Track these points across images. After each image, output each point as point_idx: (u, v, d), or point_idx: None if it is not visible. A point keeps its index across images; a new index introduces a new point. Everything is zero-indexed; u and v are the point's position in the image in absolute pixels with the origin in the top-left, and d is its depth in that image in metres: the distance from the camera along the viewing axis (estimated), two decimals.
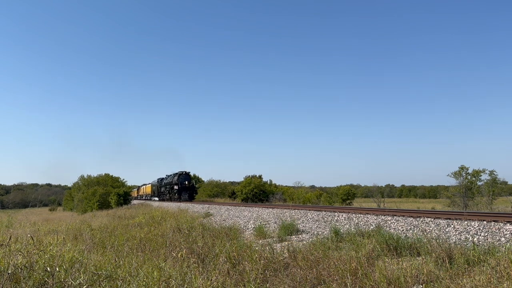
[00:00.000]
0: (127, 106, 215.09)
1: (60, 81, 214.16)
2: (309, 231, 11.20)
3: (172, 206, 32.71)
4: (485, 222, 8.19)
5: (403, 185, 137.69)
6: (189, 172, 43.16)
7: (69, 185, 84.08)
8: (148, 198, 63.65)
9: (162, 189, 49.36)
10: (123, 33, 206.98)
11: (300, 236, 10.67)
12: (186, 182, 41.29)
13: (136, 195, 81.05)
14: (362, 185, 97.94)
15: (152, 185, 59.58)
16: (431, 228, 8.72)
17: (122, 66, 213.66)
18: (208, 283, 5.48)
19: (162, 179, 51.80)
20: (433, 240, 6.83)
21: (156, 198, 53.76)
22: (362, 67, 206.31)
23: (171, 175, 45.84)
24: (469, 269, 5.57)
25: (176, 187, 41.06)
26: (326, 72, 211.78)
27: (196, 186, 45.33)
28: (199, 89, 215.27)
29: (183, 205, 32.26)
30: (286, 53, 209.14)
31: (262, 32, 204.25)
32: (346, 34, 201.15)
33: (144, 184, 74.38)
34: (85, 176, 67.95)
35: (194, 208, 26.37)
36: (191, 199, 40.66)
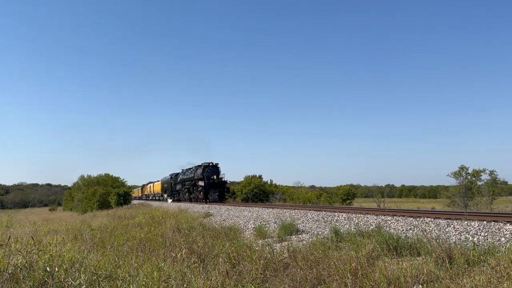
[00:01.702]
0: (128, 105, 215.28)
1: (60, 80, 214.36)
2: (309, 231, 11.20)
3: (172, 206, 32.70)
4: (485, 222, 8.18)
5: (403, 185, 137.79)
6: (218, 164, 32.84)
7: (69, 185, 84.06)
8: (158, 198, 54.62)
9: (178, 186, 40.54)
10: (123, 32, 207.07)
11: (300, 236, 10.67)
12: (215, 177, 31.52)
13: (139, 195, 74.63)
14: (362, 185, 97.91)
15: (163, 183, 50.02)
16: (431, 228, 8.72)
17: (123, 65, 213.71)
18: (208, 283, 5.48)
19: (176, 174, 42.45)
20: (433, 240, 6.82)
21: (169, 199, 44.75)
22: (362, 67, 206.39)
23: (191, 168, 36.47)
24: (469, 269, 5.57)
25: (201, 183, 31.40)
26: (326, 71, 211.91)
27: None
28: (198, 88, 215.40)
29: (183, 205, 32.22)
30: (286, 52, 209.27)
31: (262, 31, 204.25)
32: (346, 32, 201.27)
33: (150, 182, 64.72)
34: (85, 176, 67.92)
35: (194, 208, 26.37)
36: (221, 199, 31.26)
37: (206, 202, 30.33)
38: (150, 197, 62.15)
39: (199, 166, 33.69)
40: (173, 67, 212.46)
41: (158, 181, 56.37)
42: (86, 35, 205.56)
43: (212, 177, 31.60)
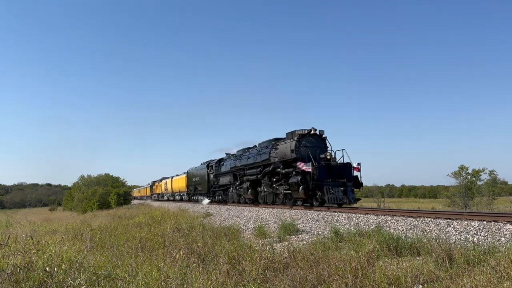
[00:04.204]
0: (128, 104, 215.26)
1: (61, 79, 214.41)
2: (309, 231, 11.19)
3: (172, 206, 32.67)
4: (485, 222, 8.17)
5: (403, 185, 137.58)
6: (323, 134, 17.67)
7: (69, 185, 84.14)
8: (179, 197, 41.91)
9: (224, 179, 25.51)
10: (126, 27, 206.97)
11: (300, 236, 10.66)
12: (327, 155, 16.81)
13: (146, 194, 66.83)
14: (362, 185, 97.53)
15: (191, 176, 34.73)
16: (431, 228, 8.71)
17: (125, 64, 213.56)
18: (209, 283, 5.47)
19: (220, 160, 27.71)
20: (433, 240, 6.81)
21: (205, 199, 30.17)
22: (362, 65, 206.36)
23: (254, 147, 22.58)
24: (469, 269, 5.56)
25: (303, 167, 15.71)
26: (325, 69, 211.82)
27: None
28: (197, 85, 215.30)
29: (183, 205, 32.14)
30: (286, 49, 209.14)
31: (265, 26, 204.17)
32: (347, 28, 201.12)
33: (165, 178, 51.59)
34: (85, 176, 67.99)
35: (194, 208, 26.35)
36: (351, 198, 15.58)
37: (310, 207, 15.51)
38: (166, 197, 49.25)
39: (279, 139, 19.06)
40: (169, 63, 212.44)
41: (177, 175, 43.17)
42: (86, 33, 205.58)
43: (323, 156, 16.51)
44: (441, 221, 9.05)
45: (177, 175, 43.84)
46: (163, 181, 51.94)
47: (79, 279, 5.23)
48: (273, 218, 14.62)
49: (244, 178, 21.85)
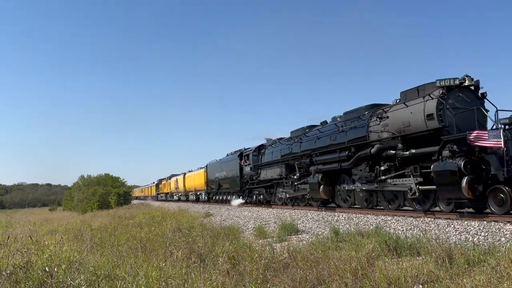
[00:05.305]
0: (128, 103, 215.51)
1: (59, 78, 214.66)
2: (309, 231, 11.19)
3: (172, 206, 32.70)
4: (485, 222, 8.18)
5: None
6: (479, 84, 9.99)
7: (69, 185, 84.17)
8: (195, 198, 34.45)
9: (271, 172, 19.06)
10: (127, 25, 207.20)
11: (300, 236, 10.66)
12: None
13: (151, 194, 63.29)
14: None
15: (214, 170, 28.08)
16: (431, 228, 8.71)
17: (126, 63, 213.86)
18: (209, 283, 5.47)
19: (260, 147, 21.49)
20: (433, 240, 6.82)
21: (236, 200, 23.88)
22: (360, 65, 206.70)
23: (325, 123, 16.05)
24: (469, 269, 5.56)
25: (490, 142, 8.35)
26: (324, 68, 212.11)
27: None
28: (197, 85, 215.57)
29: (183, 205, 32.18)
30: (286, 49, 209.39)
31: (266, 25, 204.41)
32: (346, 30, 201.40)
33: (173, 175, 45.00)
34: (85, 176, 68.02)
35: (194, 208, 26.37)
36: None
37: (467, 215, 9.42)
38: (176, 197, 42.62)
39: (380, 105, 12.88)
40: (167, 65, 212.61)
41: (191, 171, 36.22)
42: (86, 34, 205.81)
43: (508, 122, 9.20)
44: (441, 221, 9.05)
45: (190, 171, 36.44)
46: (173, 179, 43.93)
47: (79, 279, 5.23)
48: (273, 218, 14.62)
49: (311, 168, 15.34)
